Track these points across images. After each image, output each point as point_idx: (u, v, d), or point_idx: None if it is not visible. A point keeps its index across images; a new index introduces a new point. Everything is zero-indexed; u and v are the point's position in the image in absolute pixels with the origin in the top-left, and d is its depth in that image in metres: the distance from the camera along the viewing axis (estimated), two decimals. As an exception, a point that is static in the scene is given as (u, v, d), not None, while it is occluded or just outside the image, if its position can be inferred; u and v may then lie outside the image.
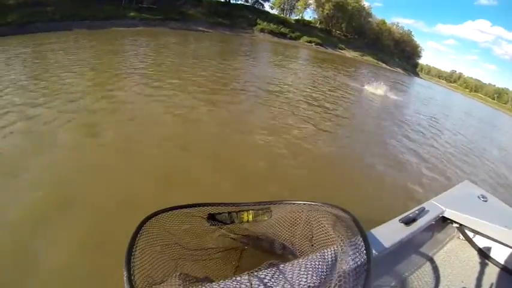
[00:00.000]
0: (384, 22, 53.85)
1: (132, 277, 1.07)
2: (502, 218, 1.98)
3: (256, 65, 14.68)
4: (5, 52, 10.21)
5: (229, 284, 1.26)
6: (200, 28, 31.41)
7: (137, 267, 1.13)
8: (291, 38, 38.57)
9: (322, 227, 1.50)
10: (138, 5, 30.22)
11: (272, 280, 1.35)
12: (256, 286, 1.27)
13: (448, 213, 2.09)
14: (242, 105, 6.98)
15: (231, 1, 41.57)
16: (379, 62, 45.13)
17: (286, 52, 26.38)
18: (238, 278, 1.28)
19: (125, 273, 1.07)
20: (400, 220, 1.85)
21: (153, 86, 7.17)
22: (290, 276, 1.36)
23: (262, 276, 1.36)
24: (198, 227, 1.65)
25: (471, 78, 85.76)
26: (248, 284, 1.27)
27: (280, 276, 1.38)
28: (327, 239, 1.43)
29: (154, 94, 6.44)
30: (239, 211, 1.74)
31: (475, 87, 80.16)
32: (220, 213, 1.71)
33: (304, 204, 1.66)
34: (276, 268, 1.42)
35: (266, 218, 1.76)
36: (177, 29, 28.82)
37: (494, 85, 77.19)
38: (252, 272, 1.37)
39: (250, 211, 1.75)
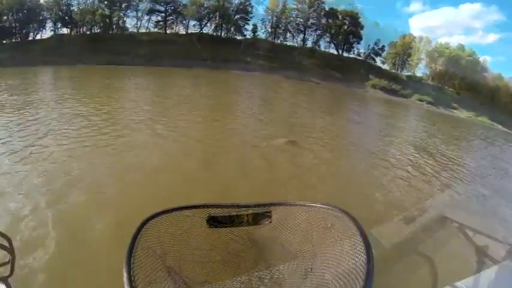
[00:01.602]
0: (500, 77, 46.71)
1: (132, 278, 1.07)
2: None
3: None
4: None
5: (229, 285, 1.29)
6: (313, 79, 32.76)
7: (137, 268, 1.13)
8: (402, 96, 37.18)
9: (323, 228, 1.47)
10: (255, 51, 32.91)
11: (272, 281, 1.38)
12: (257, 287, 1.30)
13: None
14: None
15: (344, 54, 42.08)
16: (495, 123, 37.48)
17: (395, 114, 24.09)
18: (239, 279, 1.32)
19: (125, 274, 1.06)
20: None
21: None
22: (290, 277, 1.37)
23: (263, 276, 1.38)
24: (198, 228, 1.61)
25: None
26: (248, 284, 1.30)
27: (280, 276, 1.40)
28: (327, 240, 1.41)
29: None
30: (239, 212, 1.70)
31: None
32: (220, 215, 1.67)
33: (304, 205, 1.61)
34: (276, 269, 1.43)
35: (266, 220, 1.71)
36: (291, 77, 30.66)
37: None
38: (252, 272, 1.40)
39: (250, 212, 1.70)
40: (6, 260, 1.09)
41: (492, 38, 77.59)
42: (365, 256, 1.08)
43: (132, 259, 1.10)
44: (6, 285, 1.12)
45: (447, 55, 42.33)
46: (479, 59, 44.68)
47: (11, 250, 1.10)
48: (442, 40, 45.43)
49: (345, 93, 30.63)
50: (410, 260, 2.05)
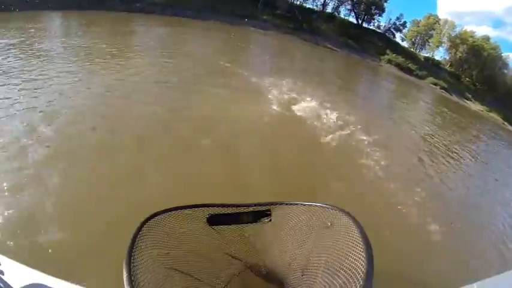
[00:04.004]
0: (521, 76, 43.15)
1: (132, 278, 1.06)
2: None
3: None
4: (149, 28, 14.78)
5: (229, 282, 1.37)
6: (329, 45, 31.79)
7: (137, 268, 1.12)
8: (416, 76, 35.44)
9: (322, 227, 1.51)
10: (273, 10, 31.46)
11: (272, 279, 1.48)
12: (257, 284, 1.39)
13: None
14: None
15: (363, 25, 40.87)
16: (505, 123, 33.52)
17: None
18: (239, 276, 1.41)
19: (125, 274, 1.06)
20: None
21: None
22: (290, 275, 1.44)
23: (263, 274, 1.49)
24: (198, 228, 1.67)
25: None
26: (248, 281, 1.39)
27: (280, 274, 1.48)
28: (326, 239, 1.42)
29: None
30: (239, 212, 1.78)
31: None
32: (220, 215, 1.73)
33: (304, 205, 1.71)
34: (276, 267, 1.53)
35: (266, 219, 1.80)
36: (306, 40, 29.74)
37: None
38: (252, 270, 1.51)
39: (251, 212, 1.79)
40: None
41: (521, 36, 75.21)
42: (365, 256, 1.11)
43: (132, 259, 1.14)
44: None
45: (470, 43, 40.49)
46: (502, 55, 42.55)
47: None
48: (468, 28, 44.06)
49: (358, 64, 29.91)
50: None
